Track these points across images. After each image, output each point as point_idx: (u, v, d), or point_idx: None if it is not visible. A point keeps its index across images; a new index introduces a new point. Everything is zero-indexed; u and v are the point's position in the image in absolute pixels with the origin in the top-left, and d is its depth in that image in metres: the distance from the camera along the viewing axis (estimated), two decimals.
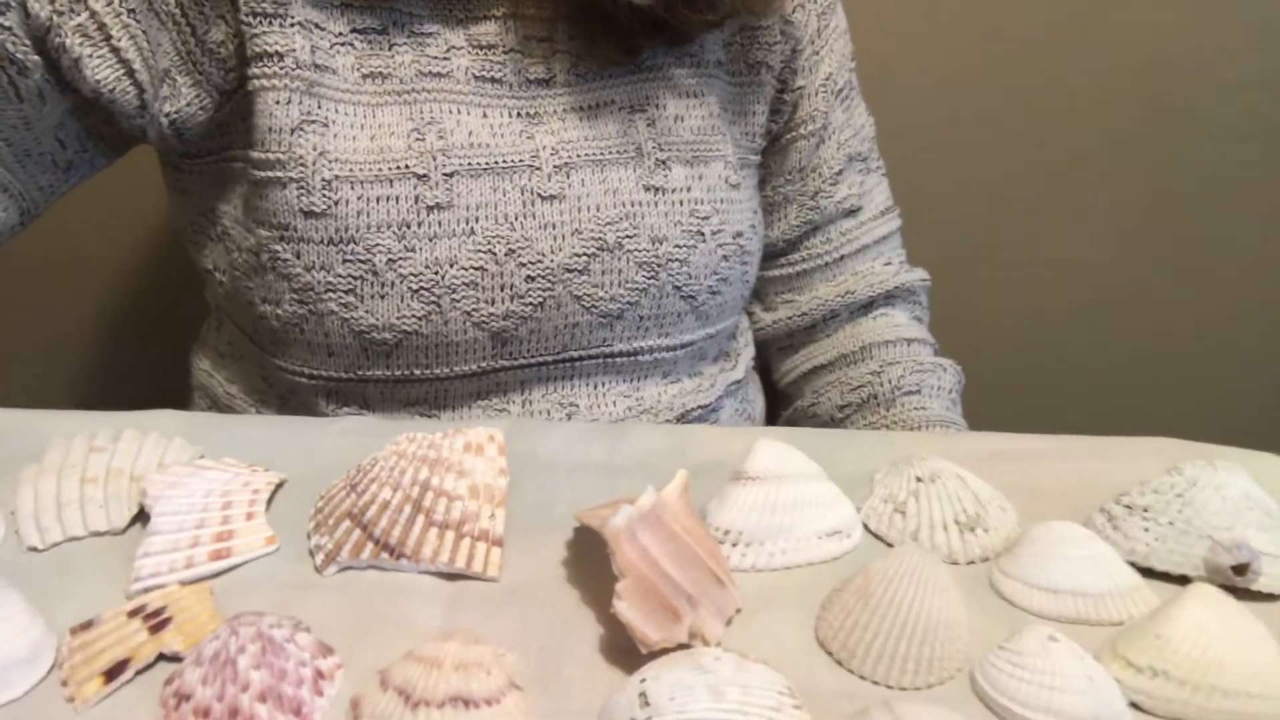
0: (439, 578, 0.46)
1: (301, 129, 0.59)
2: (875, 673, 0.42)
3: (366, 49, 0.61)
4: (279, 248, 0.60)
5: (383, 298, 0.60)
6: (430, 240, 0.60)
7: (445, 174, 0.60)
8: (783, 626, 0.44)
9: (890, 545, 0.49)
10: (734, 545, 0.48)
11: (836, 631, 0.43)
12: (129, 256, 1.14)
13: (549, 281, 0.62)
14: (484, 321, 0.62)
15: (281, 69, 0.58)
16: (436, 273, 0.60)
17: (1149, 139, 1.13)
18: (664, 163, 0.65)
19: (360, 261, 0.59)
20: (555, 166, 0.62)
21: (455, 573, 0.46)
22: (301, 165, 0.58)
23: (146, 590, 0.44)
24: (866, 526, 0.50)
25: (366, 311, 0.60)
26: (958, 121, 1.06)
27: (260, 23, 0.58)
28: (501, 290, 0.61)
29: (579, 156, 0.63)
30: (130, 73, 0.59)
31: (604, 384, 0.67)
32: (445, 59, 0.63)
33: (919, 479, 0.51)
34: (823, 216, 0.78)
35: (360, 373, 0.63)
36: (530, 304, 0.62)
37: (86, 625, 0.42)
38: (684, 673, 0.38)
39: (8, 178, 0.62)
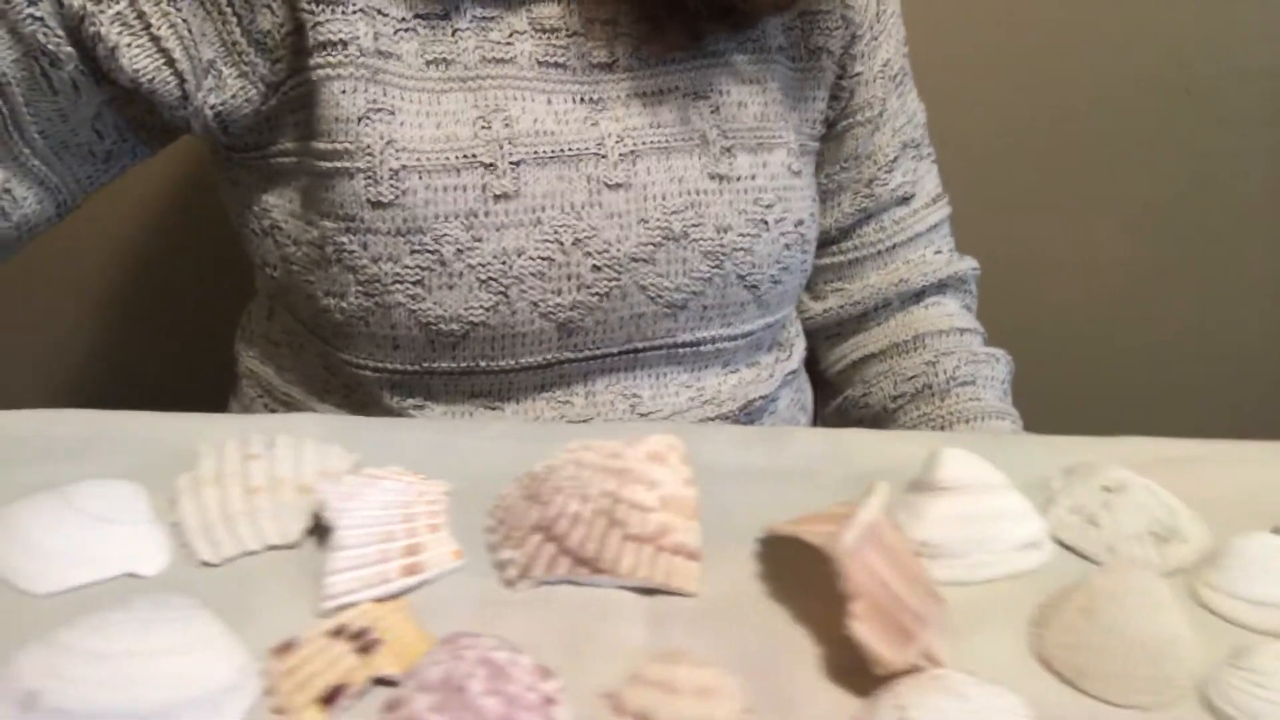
0: (635, 593, 0.44)
1: (368, 118, 0.57)
2: (1108, 693, 0.40)
3: (429, 34, 0.60)
4: (345, 240, 0.58)
5: (450, 288, 0.59)
6: (498, 230, 0.59)
7: (512, 163, 0.59)
8: (997, 644, 0.43)
9: (1084, 558, 0.48)
10: (933, 559, 0.46)
11: (1062, 650, 0.41)
12: (124, 244, 1.11)
13: (615, 271, 0.61)
14: (550, 312, 0.61)
15: (345, 57, 0.57)
16: (504, 263, 0.59)
17: (1170, 128, 1.13)
18: (729, 150, 0.64)
19: (428, 252, 0.58)
20: (620, 155, 0.61)
21: (653, 588, 0.44)
22: (369, 155, 0.57)
23: (339, 608, 0.42)
24: (1057, 538, 0.49)
25: (434, 303, 0.59)
26: (974, 110, 1.06)
27: (322, 10, 0.57)
28: (568, 280, 0.60)
29: (644, 144, 0.62)
30: (170, 62, 0.57)
31: (666, 375, 0.67)
32: (508, 44, 0.61)
33: (1107, 489, 0.49)
34: (877, 204, 0.77)
35: (426, 365, 0.62)
36: (596, 294, 0.61)
37: (287, 647, 0.40)
38: (941, 699, 0.36)
39: (44, 171, 0.60)
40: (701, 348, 0.66)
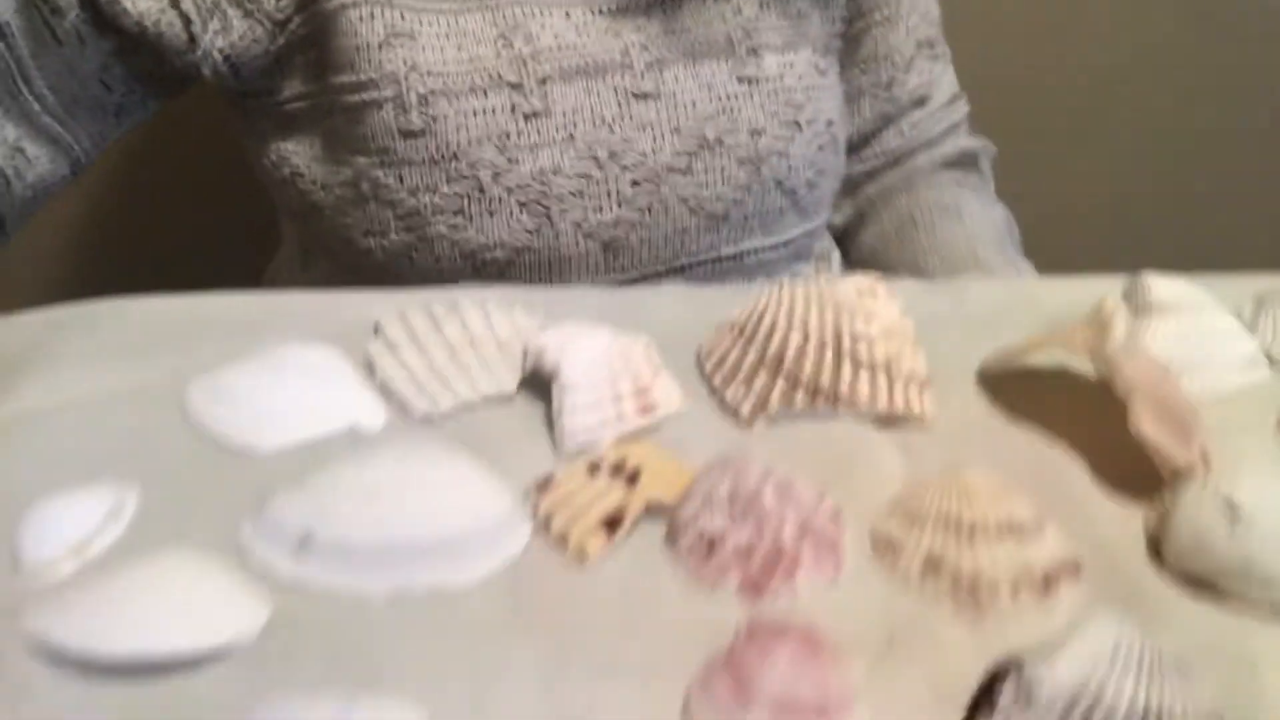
0: (875, 423, 0.42)
1: (389, 43, 0.56)
2: None
3: None
4: (380, 173, 0.57)
5: (491, 214, 0.57)
6: (532, 150, 0.57)
7: (538, 80, 0.57)
8: (1255, 448, 0.42)
9: None
10: None
11: None
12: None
13: (654, 184, 0.60)
14: (594, 231, 0.59)
15: None
16: (543, 184, 0.57)
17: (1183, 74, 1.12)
18: (755, 51, 0.62)
19: (465, 179, 0.57)
20: (646, 64, 0.60)
21: (890, 415, 0.42)
22: (395, 82, 0.56)
23: (581, 448, 0.40)
24: (1269, 356, 0.48)
25: (477, 230, 0.57)
26: (1006, 56, 1.03)
27: None
28: (608, 197, 0.59)
29: (669, 52, 0.61)
30: (175, 2, 0.55)
31: None
32: None
33: None
34: (896, 108, 0.75)
35: None
36: (638, 208, 0.60)
37: (548, 482, 0.38)
38: (1256, 481, 0.35)
39: (56, 128, 0.58)
40: (745, 260, 0.65)
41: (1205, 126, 1.18)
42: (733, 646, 0.30)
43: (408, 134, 0.56)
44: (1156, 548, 0.36)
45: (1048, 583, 0.33)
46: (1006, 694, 0.29)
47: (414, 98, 0.56)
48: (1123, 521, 0.37)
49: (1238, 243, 1.15)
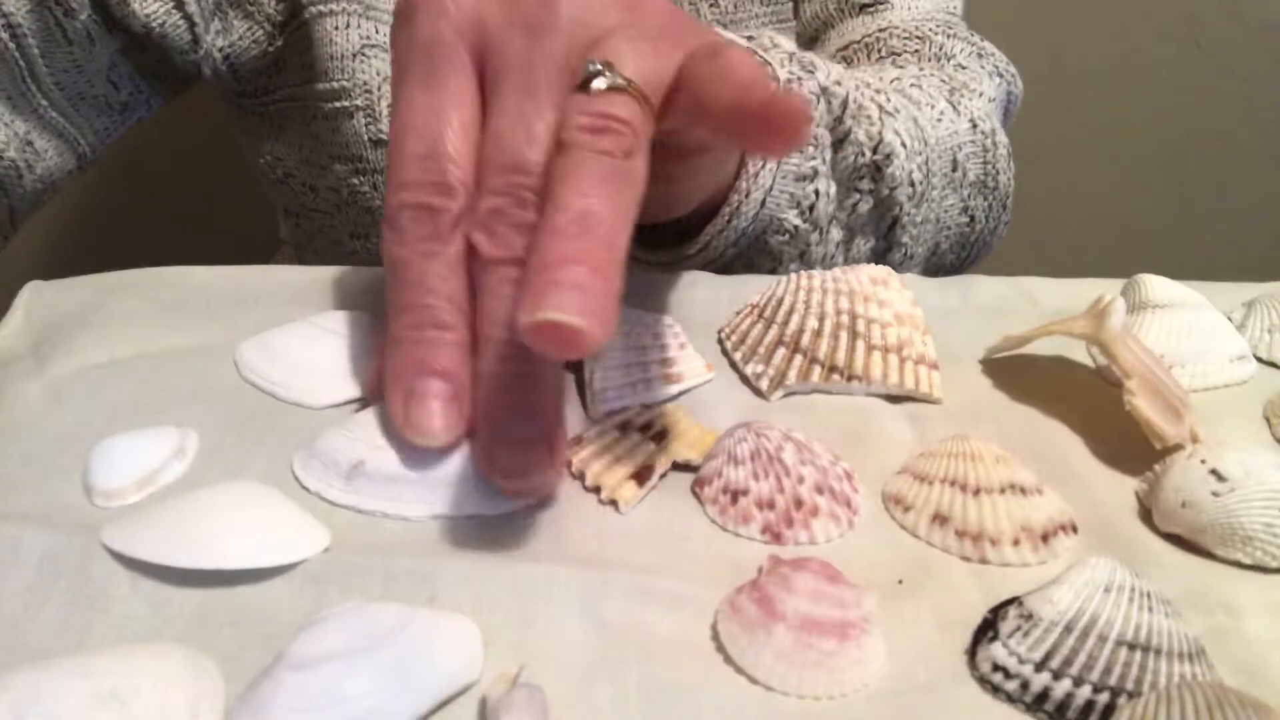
0: (886, 399, 0.45)
1: (363, 54, 0.58)
2: None
3: None
4: (356, 181, 0.59)
5: None
6: None
7: None
8: (1241, 432, 0.44)
9: None
10: None
11: None
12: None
13: None
14: None
15: None
16: None
17: (1179, 78, 1.15)
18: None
19: None
20: None
21: (901, 394, 0.45)
22: (367, 91, 0.58)
23: (611, 412, 0.43)
24: (1256, 354, 0.51)
25: None
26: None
27: None
28: None
29: None
30: (180, 5, 0.58)
31: None
32: None
33: None
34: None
35: None
36: None
37: (579, 439, 0.41)
38: (1235, 454, 0.38)
39: (62, 123, 0.60)
40: None
41: (1202, 131, 1.20)
42: (757, 578, 0.33)
43: (377, 142, 0.58)
44: (1147, 514, 0.38)
45: (1046, 537, 0.36)
46: (1009, 621, 0.31)
47: (384, 107, 0.57)
48: (1117, 488, 0.40)
49: (1233, 253, 1.18)
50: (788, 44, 0.52)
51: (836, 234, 0.56)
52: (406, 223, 0.36)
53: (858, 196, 0.56)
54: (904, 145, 0.56)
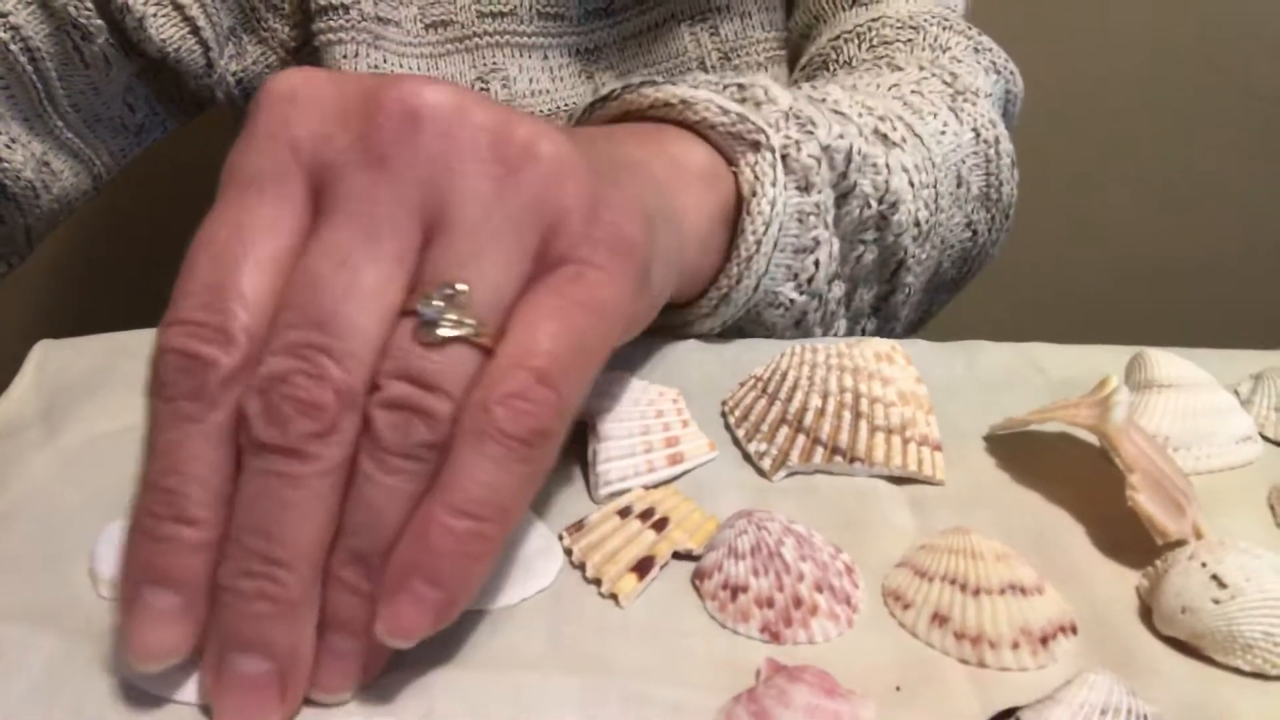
0: (889, 481, 0.45)
1: None
2: None
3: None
4: None
5: None
6: None
7: None
8: (1245, 522, 0.44)
9: None
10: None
11: None
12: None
13: None
14: None
15: (347, 21, 0.58)
16: None
17: (1196, 98, 1.14)
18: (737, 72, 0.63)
19: None
20: None
21: (904, 476, 0.45)
22: None
23: (613, 495, 0.43)
24: (1262, 434, 0.51)
25: None
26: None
27: None
28: None
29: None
30: (195, 30, 0.58)
31: None
32: None
33: None
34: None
35: None
36: None
37: (580, 525, 0.41)
38: (1234, 556, 0.38)
39: (78, 144, 0.61)
40: None
41: (1216, 147, 1.19)
42: (754, 687, 0.33)
43: None
44: (1147, 612, 0.38)
45: (1045, 639, 0.36)
46: None
47: None
48: (1118, 583, 0.40)
49: (1241, 311, 1.17)
50: (784, 98, 0.51)
51: (838, 291, 0.56)
52: (169, 373, 0.29)
53: (862, 249, 0.56)
54: (912, 185, 0.55)
